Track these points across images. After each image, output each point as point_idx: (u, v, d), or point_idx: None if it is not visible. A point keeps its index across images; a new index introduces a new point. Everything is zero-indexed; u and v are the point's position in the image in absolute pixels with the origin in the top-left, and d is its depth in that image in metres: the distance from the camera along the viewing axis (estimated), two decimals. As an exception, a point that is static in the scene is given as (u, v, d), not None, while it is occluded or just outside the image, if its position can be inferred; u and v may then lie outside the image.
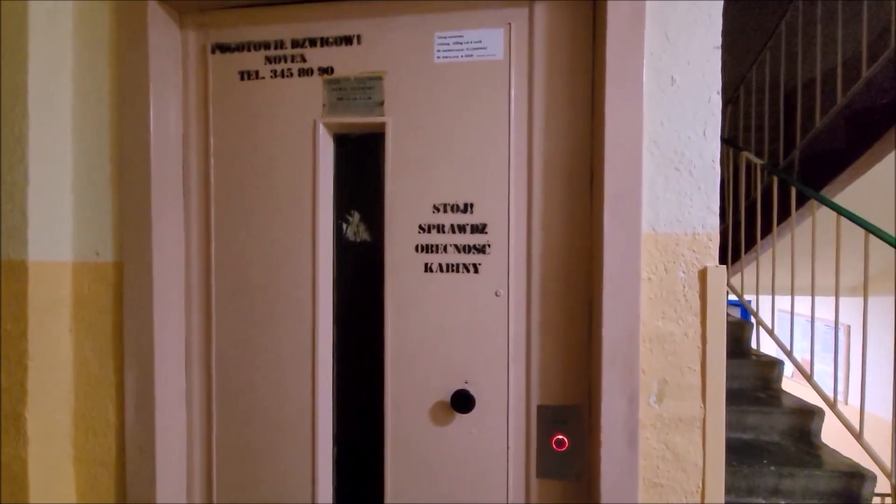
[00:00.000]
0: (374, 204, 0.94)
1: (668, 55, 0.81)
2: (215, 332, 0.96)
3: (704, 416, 0.80)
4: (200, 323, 0.97)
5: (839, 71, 2.20)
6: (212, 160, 0.96)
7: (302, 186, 0.94)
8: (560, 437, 0.87)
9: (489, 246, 0.90)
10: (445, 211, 0.90)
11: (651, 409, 0.81)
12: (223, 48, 0.96)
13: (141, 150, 0.90)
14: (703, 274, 0.80)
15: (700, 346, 0.80)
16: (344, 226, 0.96)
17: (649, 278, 0.81)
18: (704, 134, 0.80)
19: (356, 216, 0.96)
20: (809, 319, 2.05)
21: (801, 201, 2.13)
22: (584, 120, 0.87)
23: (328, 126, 0.94)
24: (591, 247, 0.86)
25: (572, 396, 0.88)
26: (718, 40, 0.80)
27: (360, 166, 0.96)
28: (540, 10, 0.87)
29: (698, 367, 0.80)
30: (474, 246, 0.90)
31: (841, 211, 1.84)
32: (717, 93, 0.80)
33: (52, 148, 0.90)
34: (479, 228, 0.90)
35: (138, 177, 0.90)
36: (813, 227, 1.98)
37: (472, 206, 0.90)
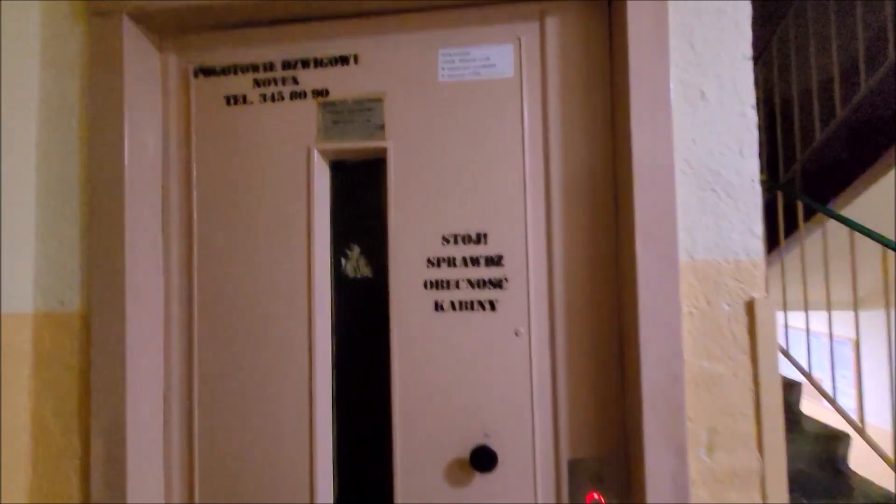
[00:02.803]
0: (375, 236, 0.85)
1: (695, 67, 0.74)
2: (198, 389, 0.85)
3: (763, 469, 0.70)
4: (181, 378, 0.86)
5: (836, 83, 2.19)
6: (194, 192, 0.87)
7: (295, 219, 0.84)
8: (596, 496, 0.76)
9: (506, 280, 0.80)
10: (456, 242, 0.81)
11: (701, 463, 0.71)
12: (207, 71, 0.87)
13: (114, 184, 0.81)
14: (750, 306, 0.71)
15: (752, 388, 0.71)
16: (342, 261, 0.87)
17: (690, 312, 0.72)
18: (741, 151, 0.73)
19: (356, 250, 0.87)
20: (819, 336, 1.98)
21: (809, 215, 2.08)
22: (605, 139, 0.80)
23: (323, 152, 0.85)
24: (619, 278, 0.78)
25: (607, 448, 0.77)
26: (749, 50, 0.74)
27: (360, 195, 0.87)
28: (551, 23, 0.81)
29: (752, 413, 0.70)
30: (490, 280, 0.81)
31: (852, 225, 1.79)
32: (752, 106, 0.73)
33: (13, 184, 0.80)
34: (495, 260, 0.81)
35: (110, 215, 0.80)
36: (825, 242, 1.92)
37: (485, 235, 0.81)
